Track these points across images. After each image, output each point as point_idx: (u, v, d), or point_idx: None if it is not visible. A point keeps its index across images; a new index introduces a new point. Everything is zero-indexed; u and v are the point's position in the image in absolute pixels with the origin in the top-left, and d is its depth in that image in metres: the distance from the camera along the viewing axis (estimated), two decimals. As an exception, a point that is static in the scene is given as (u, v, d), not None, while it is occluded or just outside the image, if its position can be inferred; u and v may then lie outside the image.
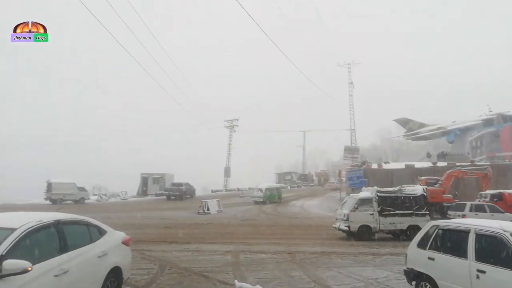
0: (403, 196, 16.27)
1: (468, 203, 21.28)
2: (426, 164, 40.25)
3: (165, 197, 40.06)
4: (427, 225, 6.82)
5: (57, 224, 4.86)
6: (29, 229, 4.28)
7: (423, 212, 16.12)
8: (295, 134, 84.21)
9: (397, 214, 15.72)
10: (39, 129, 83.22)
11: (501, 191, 24.74)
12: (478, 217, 18.24)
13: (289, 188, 60.15)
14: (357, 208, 15.66)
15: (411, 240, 14.59)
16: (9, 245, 3.93)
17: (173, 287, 7.74)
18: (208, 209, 28.30)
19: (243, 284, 6.65)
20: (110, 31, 17.07)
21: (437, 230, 6.36)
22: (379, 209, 15.63)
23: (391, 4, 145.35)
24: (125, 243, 6.34)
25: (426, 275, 6.14)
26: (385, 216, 15.61)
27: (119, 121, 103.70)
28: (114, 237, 6.15)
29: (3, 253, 3.80)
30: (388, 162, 45.59)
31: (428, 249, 6.28)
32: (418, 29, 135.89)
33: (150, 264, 9.76)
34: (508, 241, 4.98)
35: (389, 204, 15.84)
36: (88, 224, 5.69)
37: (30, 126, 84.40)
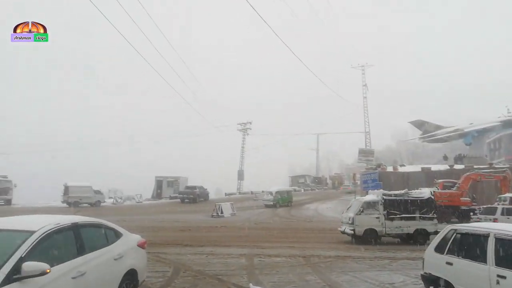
0: (409, 200, 15.94)
1: (500, 207, 20.77)
2: (443, 166, 39.57)
3: (179, 200, 40.35)
4: (444, 229, 6.69)
5: (75, 227, 4.94)
6: (47, 232, 4.35)
7: (430, 215, 15.76)
8: (309, 137, 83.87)
9: (403, 218, 15.41)
10: (56, 134, 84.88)
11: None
12: (510, 221, 17.85)
13: (302, 191, 59.90)
14: (362, 211, 15.42)
15: (418, 244, 14.53)
16: (28, 247, 3.99)
17: (188, 290, 7.77)
18: (221, 212, 28.37)
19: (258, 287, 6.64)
20: (125, 37, 17.31)
21: (455, 234, 6.23)
22: (385, 212, 15.37)
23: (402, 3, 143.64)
24: (140, 245, 6.40)
25: (444, 280, 6.02)
26: (391, 219, 15.33)
27: (134, 126, 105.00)
28: (130, 239, 6.21)
29: (23, 255, 3.86)
30: (403, 165, 45.05)
31: (446, 253, 6.15)
32: (431, 29, 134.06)
33: (165, 267, 9.82)
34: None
35: (395, 208, 15.55)
36: (104, 227, 5.76)
37: (47, 131, 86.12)
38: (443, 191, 26.27)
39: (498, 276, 5.02)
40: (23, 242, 4.02)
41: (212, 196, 45.95)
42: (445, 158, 51.54)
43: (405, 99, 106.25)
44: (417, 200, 15.95)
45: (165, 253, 11.81)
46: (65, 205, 34.04)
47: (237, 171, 62.21)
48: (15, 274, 3.69)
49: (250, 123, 62.56)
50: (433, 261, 6.44)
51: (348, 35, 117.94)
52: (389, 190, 16.86)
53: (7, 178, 35.13)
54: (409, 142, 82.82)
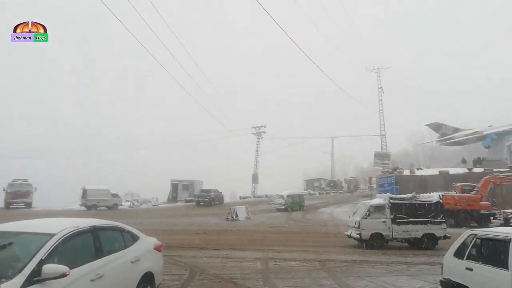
0: (417, 203, 15.61)
1: None
2: (461, 170, 38.78)
3: (194, 203, 40.61)
4: (464, 233, 6.55)
5: (93, 230, 5.01)
6: (66, 235, 4.42)
7: (439, 220, 15.41)
8: (323, 140, 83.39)
9: (411, 222, 15.12)
10: (75, 138, 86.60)
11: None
12: None
13: (317, 195, 59.52)
14: (369, 215, 15.21)
15: (425, 249, 14.25)
16: (48, 250, 4.05)
17: (204, 294, 7.80)
18: (236, 216, 28.41)
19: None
20: (142, 43, 17.59)
21: (475, 239, 6.09)
22: (392, 216, 15.12)
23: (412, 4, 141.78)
24: (157, 248, 6.45)
25: (464, 286, 5.88)
26: (399, 223, 15.05)
27: (150, 130, 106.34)
28: (146, 242, 6.27)
29: (43, 258, 3.93)
30: (420, 168, 44.31)
31: (466, 259, 6.02)
32: (448, 29, 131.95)
33: (180, 270, 9.88)
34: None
35: (402, 212, 15.27)
36: (122, 230, 5.83)
37: (66, 135, 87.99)
38: (462, 195, 25.78)
39: (520, 282, 4.89)
40: (43, 244, 4.08)
41: (226, 199, 46.11)
42: (464, 161, 50.54)
43: (422, 101, 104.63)
44: (425, 204, 15.64)
45: (180, 256, 11.89)
46: (83, 208, 34.65)
47: (251, 174, 62.24)
48: (35, 276, 3.75)
49: (265, 126, 62.65)
50: (453, 266, 6.32)
51: (363, 37, 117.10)
52: (406, 194, 16.55)
53: (27, 181, 35.96)
54: (426, 145, 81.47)
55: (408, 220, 15.13)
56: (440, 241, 15.21)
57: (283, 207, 35.67)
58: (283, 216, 32.05)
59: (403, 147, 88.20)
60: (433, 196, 16.12)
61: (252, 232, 20.86)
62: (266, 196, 51.40)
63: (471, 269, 5.81)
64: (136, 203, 41.78)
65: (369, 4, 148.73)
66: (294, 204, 36.75)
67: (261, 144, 63.09)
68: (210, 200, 39.80)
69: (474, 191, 25.96)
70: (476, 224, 23.59)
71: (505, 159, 52.18)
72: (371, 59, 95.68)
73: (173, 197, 47.46)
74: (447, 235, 15.18)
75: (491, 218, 24.89)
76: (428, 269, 10.75)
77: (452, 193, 26.21)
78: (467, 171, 36.25)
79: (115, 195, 37.65)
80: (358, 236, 15.08)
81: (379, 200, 16.14)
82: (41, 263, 3.86)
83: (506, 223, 23.07)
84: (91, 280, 4.49)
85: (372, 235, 14.98)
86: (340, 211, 36.01)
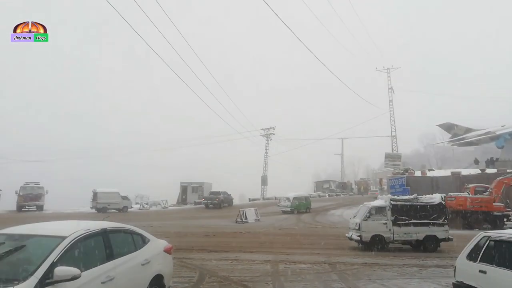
0: (419, 205, 15.37)
1: None
2: (474, 171, 38.22)
3: (203, 205, 40.72)
4: (477, 236, 6.45)
5: (104, 232, 5.05)
6: (78, 237, 4.47)
7: (441, 221, 15.16)
8: (333, 142, 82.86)
9: (412, 224, 14.90)
10: (85, 141, 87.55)
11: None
12: None
13: (327, 196, 59.23)
14: (369, 217, 15.04)
15: (427, 251, 14.07)
16: (60, 252, 4.10)
17: (214, 296, 7.80)
18: (245, 218, 28.38)
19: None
20: (152, 47, 17.72)
21: (488, 241, 6.00)
22: (393, 218, 14.93)
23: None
24: (167, 251, 6.48)
25: (478, 289, 5.79)
26: (400, 225, 14.85)
27: (159, 132, 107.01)
28: (156, 245, 6.29)
29: (55, 260, 3.97)
30: (432, 169, 43.85)
31: (479, 261, 5.93)
32: (459, 28, 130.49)
33: (190, 272, 9.90)
34: None
35: (404, 213, 15.06)
36: (132, 233, 5.86)
37: (77, 139, 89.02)
38: (474, 196, 25.41)
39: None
40: (55, 247, 4.13)
41: (236, 201, 46.14)
42: (476, 162, 49.81)
43: (433, 102, 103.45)
44: (427, 205, 15.39)
45: (190, 259, 11.92)
46: (94, 210, 34.95)
47: (260, 176, 62.18)
48: (47, 278, 3.80)
49: (274, 128, 62.58)
50: (465, 269, 6.23)
51: (373, 37, 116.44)
52: (387, 195, 16.29)
53: (39, 185, 36.41)
54: (437, 146, 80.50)
55: (410, 222, 14.95)
56: (443, 244, 15.08)
57: (289, 209, 35.15)
58: (292, 218, 31.92)
59: (414, 148, 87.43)
60: (435, 198, 15.87)
61: (261, 234, 20.81)
62: (275, 198, 51.25)
63: (484, 272, 5.72)
64: (146, 206, 42.03)
65: (380, 4, 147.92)
66: (301, 206, 36.12)
67: (270, 146, 63.06)
68: (219, 203, 39.87)
69: (487, 192, 25.55)
70: (489, 226, 23.22)
71: (518, 160, 51.28)
72: (382, 59, 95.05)
73: (182, 200, 47.66)
74: (449, 237, 15.02)
75: (505, 219, 24.48)
76: (440, 271, 10.60)
77: (465, 194, 25.84)
78: (480, 172, 35.70)
79: (125, 198, 37.91)
80: (359, 238, 14.95)
81: (380, 201, 15.96)
82: (53, 265, 3.90)
83: (498, 224, 22.70)
84: (102, 283, 4.52)
85: (372, 237, 14.82)
86: (350, 213, 35.53)
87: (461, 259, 6.42)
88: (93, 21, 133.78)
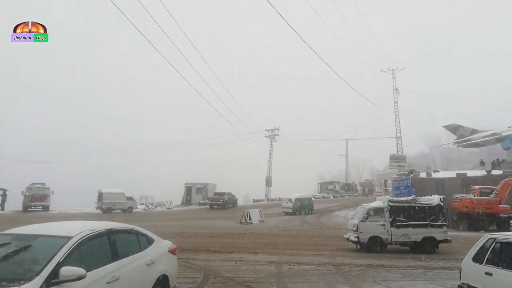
0: (417, 206, 15.28)
1: None
2: (480, 172, 37.93)
3: (208, 206, 40.80)
4: (483, 238, 6.41)
5: (109, 233, 5.06)
6: (83, 238, 4.48)
7: (439, 223, 15.08)
8: (338, 143, 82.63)
9: (410, 225, 14.84)
10: (91, 142, 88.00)
11: None
12: None
13: (331, 198, 59.09)
14: (367, 218, 14.99)
15: (425, 252, 14.01)
16: (66, 253, 4.11)
17: (218, 297, 7.80)
18: (250, 219, 28.39)
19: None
20: (157, 48, 17.77)
21: (494, 243, 5.96)
22: (391, 219, 14.86)
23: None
24: (171, 251, 6.49)
25: (483, 291, 5.75)
26: (398, 227, 14.79)
27: (163, 133, 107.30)
28: (161, 245, 6.31)
29: (60, 260, 3.98)
30: (437, 171, 43.55)
31: (485, 263, 5.89)
32: (464, 31, 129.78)
33: (195, 273, 9.92)
34: None
35: (402, 215, 14.99)
36: (137, 233, 5.88)
37: (82, 140, 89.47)
38: (480, 198, 25.23)
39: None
40: (61, 247, 4.14)
41: (240, 202, 46.18)
42: (482, 163, 49.46)
43: (438, 103, 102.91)
44: (425, 207, 15.31)
45: (195, 259, 11.94)
46: (99, 211, 35.14)
47: (265, 177, 62.16)
48: (53, 278, 3.81)
49: (278, 129, 62.52)
50: (471, 271, 6.19)
51: (378, 37, 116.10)
52: (385, 196, 16.18)
53: (45, 185, 36.66)
54: (443, 147, 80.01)
55: (408, 223, 14.88)
56: (446, 245, 15.01)
57: (291, 210, 35.03)
58: (296, 219, 31.89)
59: (419, 149, 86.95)
60: (434, 199, 15.78)
61: (265, 235, 20.81)
62: (280, 199, 51.25)
63: (490, 274, 5.68)
64: (150, 206, 42.19)
65: (383, 6, 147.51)
66: (303, 207, 35.98)
67: (275, 147, 63.04)
68: (223, 203, 39.95)
69: (493, 194, 25.38)
70: (495, 228, 23.04)
71: (525, 161, 50.81)
72: (387, 60, 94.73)
73: (187, 200, 47.80)
74: (448, 238, 14.96)
75: (511, 221, 24.29)
76: (446, 273, 10.55)
77: (471, 196, 25.67)
78: (486, 173, 35.43)
79: (130, 198, 38.10)
80: (356, 239, 14.92)
81: (378, 203, 15.90)
82: (59, 265, 3.91)
83: (504, 226, 22.51)
84: (107, 283, 4.53)
85: (370, 238, 14.78)
86: (355, 214, 35.59)
87: (467, 261, 6.38)
88: (95, 21, 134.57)
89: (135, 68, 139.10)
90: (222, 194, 41.47)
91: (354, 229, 15.06)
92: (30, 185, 35.76)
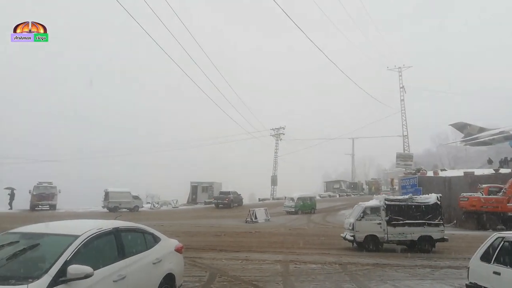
0: (413, 205, 15.17)
1: None
2: (487, 171, 37.51)
3: (213, 205, 40.88)
4: (491, 237, 6.35)
5: (116, 231, 5.10)
6: (90, 236, 4.52)
7: (436, 222, 14.95)
8: (344, 142, 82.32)
9: (407, 224, 14.75)
10: (97, 141, 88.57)
11: None
12: None
13: (338, 197, 58.91)
14: (363, 217, 14.93)
15: (422, 251, 13.89)
16: (73, 251, 4.15)
17: (224, 295, 7.81)
18: (255, 218, 28.40)
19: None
20: (162, 48, 17.83)
21: (502, 242, 5.90)
22: (387, 218, 14.78)
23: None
24: (178, 250, 6.52)
25: (492, 291, 5.70)
26: (394, 225, 14.71)
27: (169, 132, 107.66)
28: (167, 244, 6.34)
29: (68, 259, 4.02)
30: (444, 169, 43.21)
31: (493, 262, 5.84)
32: (472, 27, 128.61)
33: (201, 272, 9.94)
34: None
35: (398, 213, 14.89)
36: (144, 232, 5.91)
37: (88, 139, 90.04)
38: (488, 196, 25.01)
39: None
40: (68, 246, 4.18)
41: (246, 201, 46.21)
42: (490, 161, 48.92)
43: (446, 101, 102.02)
44: (422, 205, 15.19)
45: (201, 258, 11.96)
46: (105, 210, 35.37)
47: (270, 176, 62.12)
48: (61, 276, 3.84)
49: (283, 128, 62.43)
50: (479, 270, 6.14)
51: (385, 36, 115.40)
52: (382, 195, 16.09)
53: (52, 184, 36.96)
54: (450, 146, 79.40)
55: (404, 222, 14.80)
56: (439, 244, 14.94)
57: (293, 209, 34.70)
58: (302, 218, 31.84)
59: (426, 147, 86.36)
60: (431, 197, 15.65)
61: (271, 234, 20.81)
62: (285, 198, 51.24)
63: (498, 273, 5.63)
64: (156, 205, 42.37)
65: (391, 3, 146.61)
66: (305, 207, 35.58)
67: (280, 146, 62.96)
68: (229, 202, 40.01)
69: (501, 193, 25.14)
70: (503, 227, 22.83)
71: (533, 159, 50.26)
72: (394, 58, 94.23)
73: (192, 199, 47.95)
74: (444, 237, 14.87)
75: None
76: (453, 273, 10.48)
77: (478, 194, 25.45)
78: (494, 172, 35.03)
79: (136, 197, 38.28)
80: (352, 238, 14.88)
81: (374, 201, 15.83)
82: (66, 264, 3.95)
83: None
84: (114, 281, 4.57)
85: (366, 237, 14.73)
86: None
87: (475, 260, 6.34)
88: (99, 22, 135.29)
89: (142, 69, 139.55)
90: (228, 193, 41.53)
91: (350, 228, 15.03)
92: (38, 184, 36.07)
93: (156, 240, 6.05)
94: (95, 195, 39.61)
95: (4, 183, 36.85)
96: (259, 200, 53.73)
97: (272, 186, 61.13)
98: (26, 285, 3.58)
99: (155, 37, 16.71)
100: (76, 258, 4.12)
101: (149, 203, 43.20)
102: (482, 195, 25.28)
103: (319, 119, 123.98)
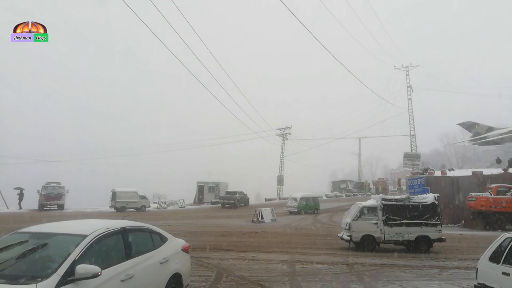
0: (411, 205, 15.02)
1: None
2: (496, 170, 37.09)
3: (220, 205, 40.94)
4: (500, 237, 6.29)
5: (123, 231, 5.13)
6: (98, 236, 4.56)
7: (434, 222, 14.78)
8: (350, 141, 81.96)
9: (404, 224, 14.61)
10: (104, 142, 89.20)
11: None
12: None
13: (344, 196, 58.71)
14: (360, 216, 14.85)
15: (419, 251, 13.75)
16: (81, 251, 4.19)
17: (231, 295, 7.82)
18: (262, 218, 28.37)
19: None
20: (168, 47, 17.88)
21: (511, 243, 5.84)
22: (384, 218, 14.67)
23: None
24: (184, 250, 6.54)
25: (501, 292, 5.65)
26: (391, 225, 14.59)
27: (175, 133, 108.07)
28: (174, 244, 6.36)
29: (76, 258, 4.06)
30: (452, 169, 42.77)
31: (502, 263, 5.79)
32: (481, 27, 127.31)
33: (207, 272, 9.96)
34: None
35: (395, 213, 14.76)
36: (151, 232, 5.94)
37: (96, 139, 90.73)
38: (497, 196, 24.74)
39: None
40: (77, 245, 4.22)
41: (252, 201, 46.23)
42: (498, 161, 48.35)
43: (454, 100, 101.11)
44: (419, 205, 15.03)
45: (207, 258, 12.00)
46: (112, 210, 35.59)
47: (277, 176, 62.07)
48: (69, 276, 3.88)
49: (290, 128, 62.33)
50: (488, 271, 6.08)
51: (403, 36, 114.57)
52: (379, 195, 15.95)
53: (60, 184, 37.28)
54: (458, 145, 78.74)
55: (401, 222, 14.67)
56: (436, 244, 14.79)
57: (296, 210, 34.43)
58: (309, 218, 31.77)
59: (434, 147, 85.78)
60: (428, 197, 15.49)
61: (278, 234, 20.79)
62: (288, 198, 51.15)
63: (508, 274, 5.58)
64: (163, 205, 42.52)
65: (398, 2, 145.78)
66: (308, 207, 35.27)
67: (287, 146, 62.88)
68: (235, 202, 40.04)
69: (510, 193, 24.85)
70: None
71: (543, 159, 49.60)
72: (401, 56, 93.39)
73: (199, 199, 48.08)
74: (442, 237, 14.72)
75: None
76: (462, 273, 10.39)
77: (487, 194, 25.19)
78: (502, 171, 34.62)
79: (143, 197, 38.45)
80: (349, 238, 14.80)
81: (371, 201, 15.72)
82: (75, 263, 3.99)
83: None
84: (122, 281, 4.60)
85: (363, 237, 14.65)
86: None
87: (483, 261, 6.28)
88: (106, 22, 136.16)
89: (148, 70, 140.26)
90: (234, 193, 41.56)
91: (347, 227, 14.97)
92: (46, 184, 36.38)
93: (163, 240, 6.07)
94: (102, 195, 39.92)
95: (13, 183, 37.31)
96: (266, 200, 53.73)
97: (279, 186, 61.09)
98: (35, 284, 3.62)
99: (164, 37, 16.80)
100: (84, 257, 4.15)
101: (156, 203, 43.37)
102: (491, 195, 25.00)
103: (326, 119, 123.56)
